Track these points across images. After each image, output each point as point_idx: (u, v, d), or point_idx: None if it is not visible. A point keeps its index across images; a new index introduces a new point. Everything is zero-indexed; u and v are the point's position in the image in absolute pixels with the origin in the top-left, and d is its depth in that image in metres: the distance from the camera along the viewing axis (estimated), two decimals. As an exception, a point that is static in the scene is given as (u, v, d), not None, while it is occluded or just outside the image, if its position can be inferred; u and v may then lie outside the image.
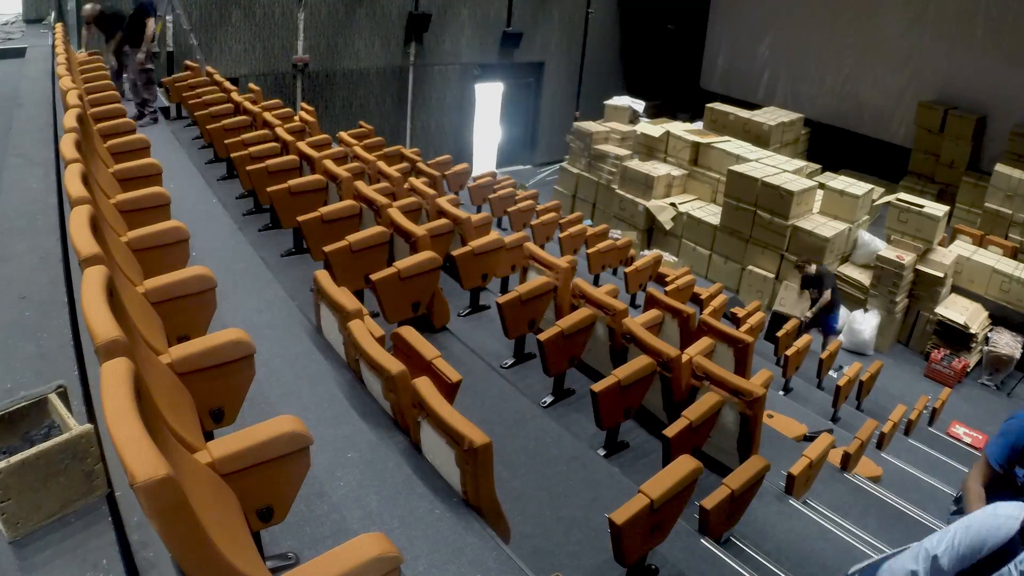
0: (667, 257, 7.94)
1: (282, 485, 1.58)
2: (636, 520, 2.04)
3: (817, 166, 8.83)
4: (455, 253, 3.66)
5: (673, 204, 8.39)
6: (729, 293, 7.22)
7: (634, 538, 2.09)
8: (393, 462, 2.28)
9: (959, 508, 2.38)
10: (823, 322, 6.10)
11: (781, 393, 5.15)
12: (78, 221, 1.83)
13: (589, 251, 6.38)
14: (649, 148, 9.08)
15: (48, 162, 3.35)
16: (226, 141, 4.98)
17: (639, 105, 10.20)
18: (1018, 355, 6.53)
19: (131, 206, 2.50)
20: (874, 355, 6.82)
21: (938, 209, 7.13)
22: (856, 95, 10.46)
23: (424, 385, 2.13)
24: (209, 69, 7.30)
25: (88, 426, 1.49)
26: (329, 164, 4.24)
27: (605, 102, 10.28)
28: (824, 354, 5.61)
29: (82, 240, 1.74)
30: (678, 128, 9.16)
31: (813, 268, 6.20)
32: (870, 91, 10.29)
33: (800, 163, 8.40)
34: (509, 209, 7.05)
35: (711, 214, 8.10)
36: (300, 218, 3.62)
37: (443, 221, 3.95)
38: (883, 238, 7.29)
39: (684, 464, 2.27)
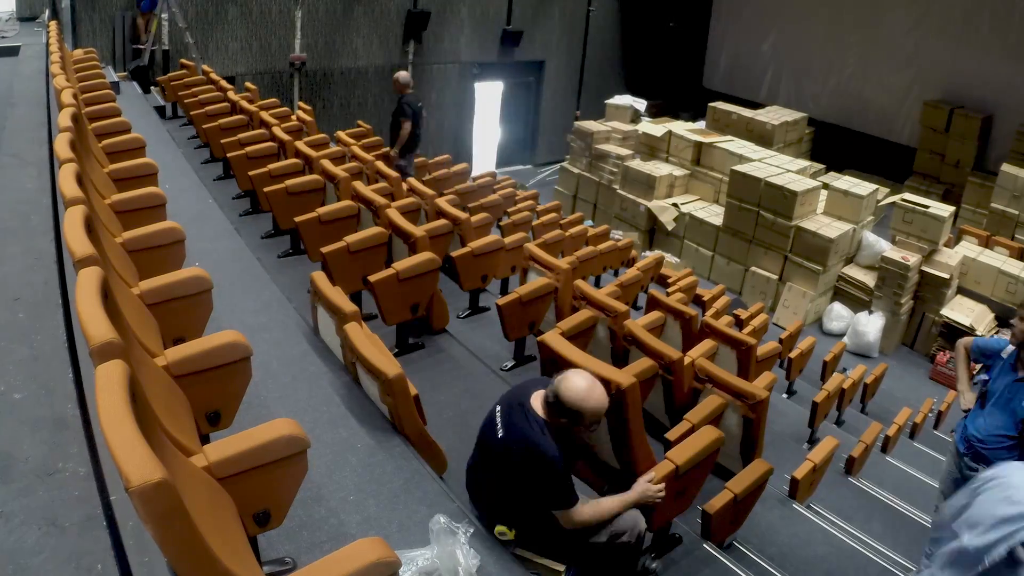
0: (669, 258, 7.90)
1: (279, 489, 1.57)
2: (663, 484, 2.10)
3: (821, 166, 8.78)
4: (454, 254, 3.63)
5: (675, 204, 8.35)
6: (732, 295, 7.18)
7: (663, 502, 2.15)
8: (392, 466, 2.26)
9: None
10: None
11: (785, 396, 5.11)
12: (72, 222, 1.80)
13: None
14: (651, 148, 9.04)
15: (42, 162, 3.33)
16: (222, 141, 4.96)
17: (640, 104, 10.16)
18: (1024, 357, 6.47)
19: (126, 206, 2.48)
20: (879, 357, 6.77)
21: (944, 209, 7.08)
22: (860, 94, 10.41)
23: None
24: (205, 68, 7.28)
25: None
26: (327, 164, 4.21)
27: (606, 101, 10.24)
28: (828, 357, 5.57)
29: (76, 241, 1.72)
30: (680, 128, 9.12)
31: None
32: (874, 90, 10.24)
33: (804, 163, 8.35)
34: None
35: (714, 215, 8.06)
36: (297, 219, 3.60)
37: (442, 222, 3.93)
38: (888, 239, 7.25)
39: (707, 434, 2.33)
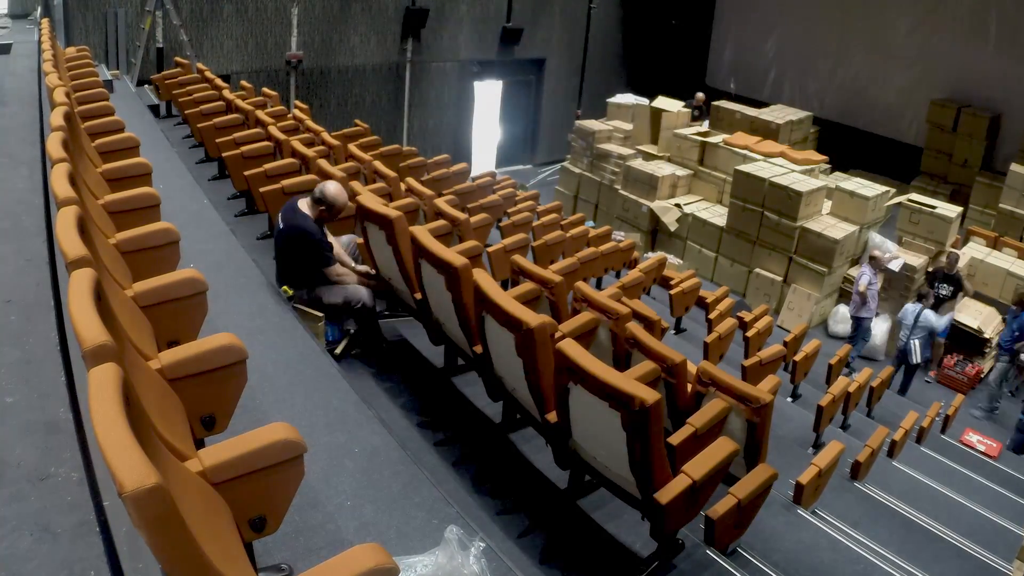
0: (672, 260, 7.85)
1: (275, 494, 1.54)
2: (680, 499, 2.13)
3: (827, 165, 8.72)
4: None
5: (678, 205, 8.30)
6: (736, 297, 7.13)
7: (676, 515, 2.18)
8: (390, 471, 2.24)
9: None
10: None
11: (789, 400, 5.06)
12: (65, 222, 1.78)
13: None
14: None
15: (34, 161, 3.33)
16: (217, 140, 4.93)
17: (643, 103, 10.10)
18: (1033, 360, 6.40)
19: (120, 207, 2.45)
20: (885, 360, 6.71)
21: (951, 210, 7.02)
22: (866, 92, 10.34)
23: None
24: (200, 66, 7.25)
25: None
26: (324, 164, 4.18)
27: (608, 100, 10.20)
28: (833, 360, 5.52)
29: (69, 242, 1.70)
30: (677, 120, 9.04)
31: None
32: (880, 88, 10.17)
33: (811, 163, 8.28)
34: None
35: (717, 215, 8.01)
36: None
37: (441, 222, 3.89)
38: (894, 240, 7.19)
39: (723, 446, 2.34)
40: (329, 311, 3.19)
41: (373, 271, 3.35)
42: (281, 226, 3.20)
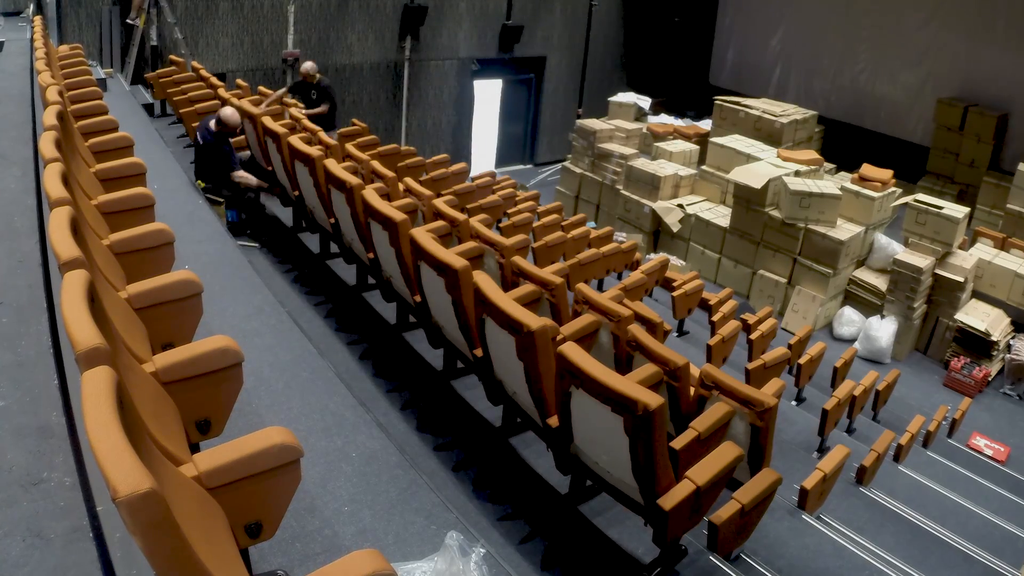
0: (674, 261, 7.81)
1: (271, 499, 1.53)
2: (683, 504, 2.11)
3: (832, 165, 8.67)
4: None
5: (680, 205, 8.26)
6: (739, 299, 7.08)
7: (679, 521, 2.16)
8: (388, 475, 2.22)
9: None
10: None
11: (793, 403, 5.02)
12: (58, 223, 1.76)
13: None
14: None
15: (26, 161, 3.33)
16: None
17: (645, 102, 10.08)
18: (1040, 363, 6.35)
19: (114, 207, 2.44)
20: (891, 363, 6.66)
21: (958, 211, 6.95)
22: (872, 91, 10.27)
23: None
24: (195, 64, 7.24)
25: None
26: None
27: (609, 99, 10.16)
28: (839, 363, 5.47)
29: (62, 243, 1.68)
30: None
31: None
32: (886, 87, 10.10)
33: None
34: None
35: (720, 216, 7.96)
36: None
37: (440, 223, 3.86)
38: (900, 241, 7.13)
39: (727, 451, 2.33)
40: (241, 194, 4.56)
41: (266, 184, 4.69)
42: (200, 138, 4.52)
